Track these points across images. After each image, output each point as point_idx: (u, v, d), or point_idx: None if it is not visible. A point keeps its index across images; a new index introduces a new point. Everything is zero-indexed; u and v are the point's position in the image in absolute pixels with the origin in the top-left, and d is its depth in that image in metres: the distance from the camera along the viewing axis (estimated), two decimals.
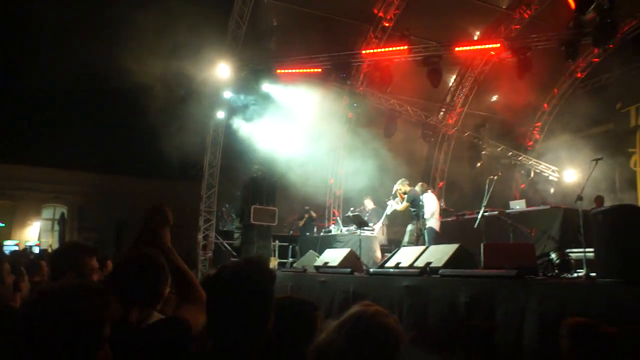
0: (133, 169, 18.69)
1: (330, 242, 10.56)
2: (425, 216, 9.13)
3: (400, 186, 9.56)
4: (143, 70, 10.96)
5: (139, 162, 16.04)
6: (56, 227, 19.52)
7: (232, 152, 13.05)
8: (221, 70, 11.88)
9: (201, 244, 12.81)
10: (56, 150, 18.94)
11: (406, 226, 9.61)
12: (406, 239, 9.27)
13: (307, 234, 12.35)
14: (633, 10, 12.25)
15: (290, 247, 12.37)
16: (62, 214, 19.20)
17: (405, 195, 9.37)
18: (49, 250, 13.10)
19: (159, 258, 2.12)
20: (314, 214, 12.21)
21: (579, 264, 5.80)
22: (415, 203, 9.13)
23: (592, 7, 9.93)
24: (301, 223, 12.19)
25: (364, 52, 12.71)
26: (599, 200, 10.81)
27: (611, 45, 12.41)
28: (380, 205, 10.87)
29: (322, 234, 11.77)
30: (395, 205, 9.74)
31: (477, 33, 13.88)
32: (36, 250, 16.56)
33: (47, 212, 21.96)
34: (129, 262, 2.18)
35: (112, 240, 16.41)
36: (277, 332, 1.74)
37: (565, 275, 5.53)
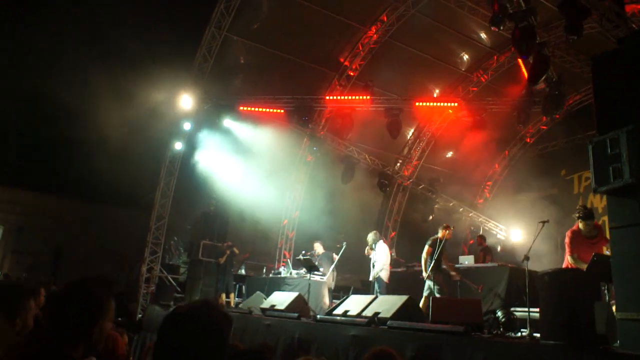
0: (79, 192, 17.85)
1: (278, 284, 10.36)
2: (377, 266, 9.14)
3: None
4: (101, 91, 10.74)
5: (85, 185, 15.33)
6: None
7: (187, 184, 12.76)
8: (184, 102, 11.77)
9: (144, 277, 12.26)
10: None
11: (355, 273, 9.59)
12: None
13: (232, 270, 11.84)
14: (578, 86, 13.19)
15: (237, 286, 12.03)
16: None
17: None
18: None
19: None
20: (236, 250, 11.75)
21: (523, 322, 5.90)
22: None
23: (542, 78, 10.58)
24: (222, 260, 11.35)
25: (327, 97, 12.94)
26: (480, 239, 12.37)
27: (557, 116, 13.20)
28: (332, 251, 10.80)
29: (271, 275, 11.53)
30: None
31: (437, 91, 14.47)
32: None
33: None
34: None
35: (49, 266, 15.52)
36: None
37: (509, 333, 5.60)
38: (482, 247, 11.95)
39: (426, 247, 8.33)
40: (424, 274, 8.20)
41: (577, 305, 3.78)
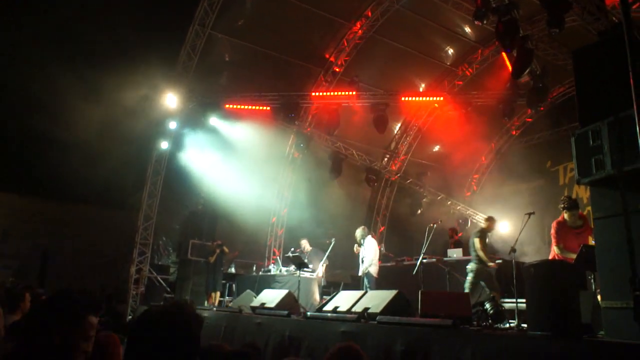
0: (65, 193, 17.59)
1: (269, 282, 10.36)
2: (366, 261, 9.17)
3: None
4: (85, 90, 10.61)
5: (72, 187, 15.09)
6: None
7: (174, 184, 12.68)
8: (168, 100, 11.68)
9: (133, 278, 12.18)
10: None
11: (345, 268, 9.60)
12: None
13: (222, 269, 11.84)
14: (561, 78, 13.30)
15: (228, 285, 12.01)
16: None
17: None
18: None
19: None
20: (226, 249, 11.69)
21: (511, 313, 5.97)
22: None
23: (526, 71, 10.68)
24: (212, 259, 11.33)
25: (313, 94, 12.93)
26: (451, 231, 12.01)
27: (542, 108, 13.33)
28: (321, 247, 10.82)
29: (261, 273, 11.53)
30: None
31: (423, 85, 14.52)
32: None
33: None
34: None
35: (36, 270, 15.33)
36: None
37: (498, 325, 5.66)
38: (454, 241, 11.43)
39: (477, 239, 7.94)
40: (490, 264, 7.70)
41: (562, 295, 3.83)
